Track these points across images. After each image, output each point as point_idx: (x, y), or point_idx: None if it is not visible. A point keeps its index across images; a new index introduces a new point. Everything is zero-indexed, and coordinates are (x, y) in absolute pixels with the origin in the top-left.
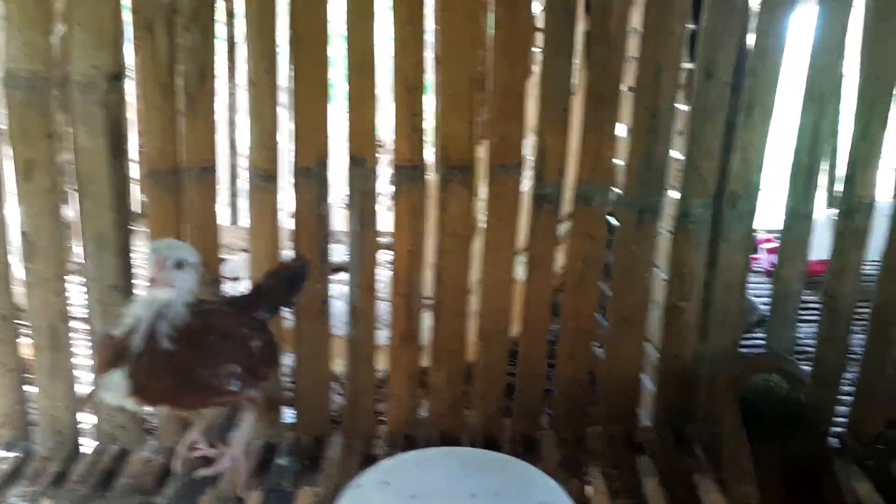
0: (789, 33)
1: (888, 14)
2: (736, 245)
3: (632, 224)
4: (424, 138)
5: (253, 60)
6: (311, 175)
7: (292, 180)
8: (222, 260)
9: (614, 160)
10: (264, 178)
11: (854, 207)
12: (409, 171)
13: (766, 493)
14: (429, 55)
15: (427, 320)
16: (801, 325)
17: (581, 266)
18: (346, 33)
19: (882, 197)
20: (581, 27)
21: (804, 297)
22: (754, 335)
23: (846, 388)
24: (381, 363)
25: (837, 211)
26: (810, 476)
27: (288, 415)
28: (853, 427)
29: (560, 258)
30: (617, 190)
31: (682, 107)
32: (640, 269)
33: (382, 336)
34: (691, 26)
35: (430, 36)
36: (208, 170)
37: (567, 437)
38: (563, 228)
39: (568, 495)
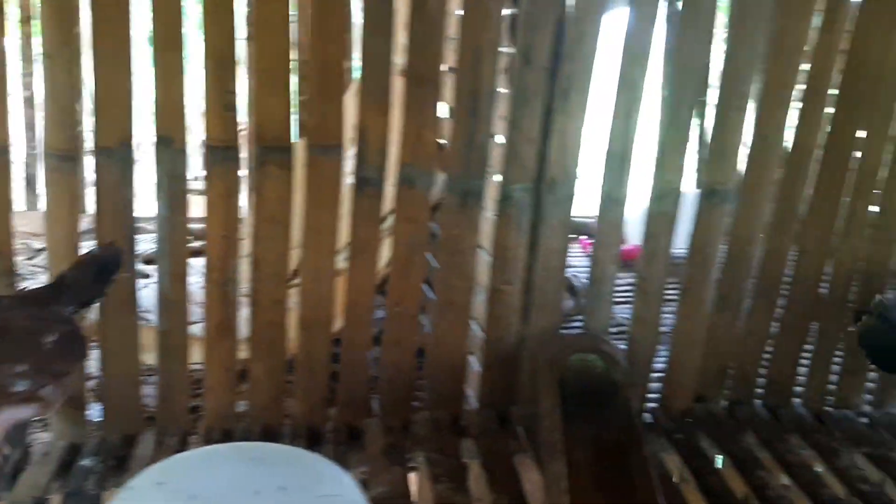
0: (605, 19)
1: (692, 3)
2: (555, 229)
3: (455, 207)
4: (238, 117)
5: (48, 32)
6: (114, 156)
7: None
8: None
9: (438, 143)
10: (61, 158)
11: (663, 192)
12: (221, 152)
13: (579, 470)
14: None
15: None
16: (620, 306)
17: (405, 251)
18: (150, 2)
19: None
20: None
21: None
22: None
23: (659, 366)
24: (197, 355)
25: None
26: (621, 452)
27: (95, 412)
28: (664, 402)
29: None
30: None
31: (505, 91)
32: (464, 253)
33: (198, 327)
34: (511, 10)
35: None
36: (1, 151)
37: (393, 425)
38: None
39: (358, 485)
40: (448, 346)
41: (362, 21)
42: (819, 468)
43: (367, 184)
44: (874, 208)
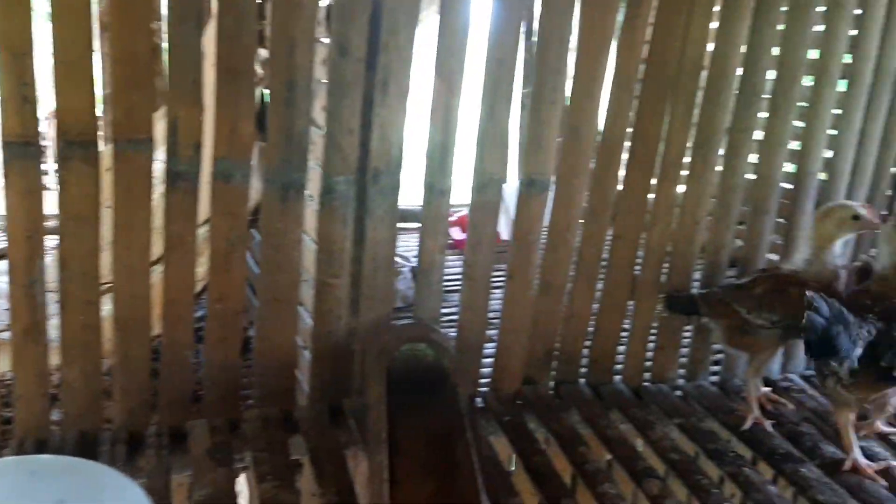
0: (421, 9)
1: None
2: (381, 220)
3: (276, 201)
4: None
5: None
6: None
7: None
8: None
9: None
10: None
11: (485, 183)
12: (20, 148)
13: (406, 459)
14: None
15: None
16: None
17: (225, 246)
18: None
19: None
20: None
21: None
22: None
23: (489, 352)
24: (4, 362)
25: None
26: (448, 440)
27: None
28: (495, 387)
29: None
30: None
31: (324, 82)
32: (288, 247)
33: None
34: (327, 1)
35: None
36: None
37: (220, 425)
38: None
39: (144, 492)
40: (275, 341)
41: (168, 8)
42: (637, 441)
43: (180, 178)
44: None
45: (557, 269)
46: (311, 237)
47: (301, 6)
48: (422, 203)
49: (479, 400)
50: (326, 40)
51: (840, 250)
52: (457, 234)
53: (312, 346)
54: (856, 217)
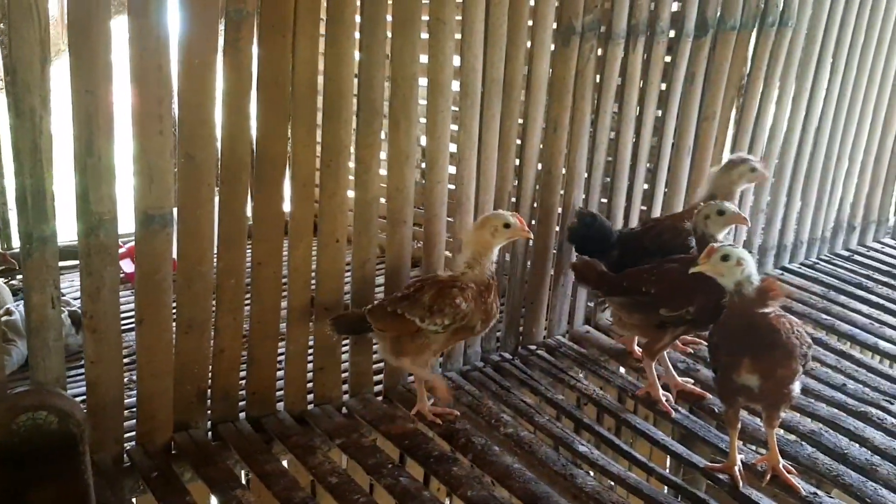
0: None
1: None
2: None
3: None
4: None
5: None
6: None
7: None
8: None
9: None
10: None
11: (94, 226)
12: None
13: None
14: None
15: None
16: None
17: None
18: None
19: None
20: None
21: None
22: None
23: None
24: None
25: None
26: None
27: None
28: (142, 440)
29: None
30: None
31: None
32: None
33: None
34: None
35: None
36: None
37: None
38: None
39: None
40: None
41: None
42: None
43: None
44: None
45: (197, 305)
46: None
47: None
48: (20, 253)
49: (126, 458)
50: None
51: (496, 256)
52: (127, 266)
53: None
54: (507, 225)
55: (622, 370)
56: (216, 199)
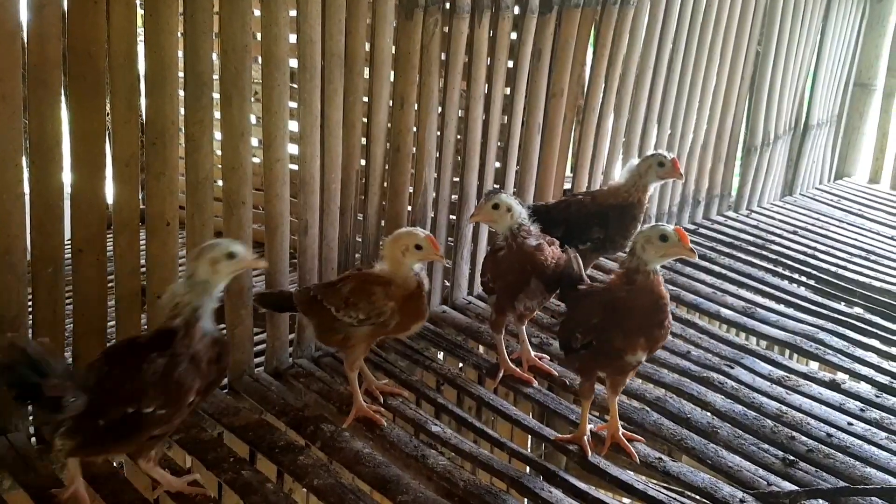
0: None
1: None
2: None
3: None
4: None
5: None
6: None
7: None
8: None
9: None
10: None
11: None
12: None
13: None
14: None
15: None
16: None
17: None
18: None
19: None
20: None
21: None
22: None
23: None
24: None
25: None
26: None
27: None
28: None
29: None
30: None
31: None
32: None
33: None
34: None
35: None
36: None
37: None
38: None
39: None
40: None
41: None
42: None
43: None
44: None
45: (9, 299)
46: None
47: None
48: None
49: None
50: None
51: (420, 266)
52: None
53: None
54: (418, 247)
55: (480, 349)
56: (26, 182)
